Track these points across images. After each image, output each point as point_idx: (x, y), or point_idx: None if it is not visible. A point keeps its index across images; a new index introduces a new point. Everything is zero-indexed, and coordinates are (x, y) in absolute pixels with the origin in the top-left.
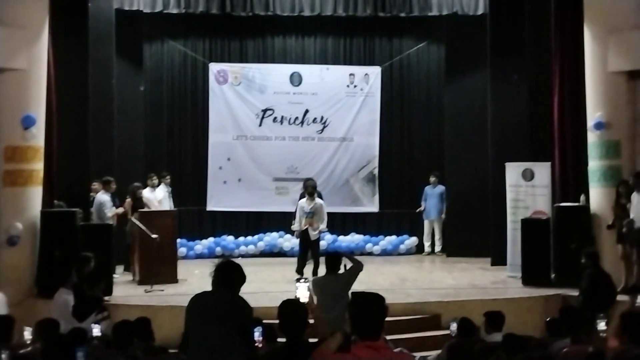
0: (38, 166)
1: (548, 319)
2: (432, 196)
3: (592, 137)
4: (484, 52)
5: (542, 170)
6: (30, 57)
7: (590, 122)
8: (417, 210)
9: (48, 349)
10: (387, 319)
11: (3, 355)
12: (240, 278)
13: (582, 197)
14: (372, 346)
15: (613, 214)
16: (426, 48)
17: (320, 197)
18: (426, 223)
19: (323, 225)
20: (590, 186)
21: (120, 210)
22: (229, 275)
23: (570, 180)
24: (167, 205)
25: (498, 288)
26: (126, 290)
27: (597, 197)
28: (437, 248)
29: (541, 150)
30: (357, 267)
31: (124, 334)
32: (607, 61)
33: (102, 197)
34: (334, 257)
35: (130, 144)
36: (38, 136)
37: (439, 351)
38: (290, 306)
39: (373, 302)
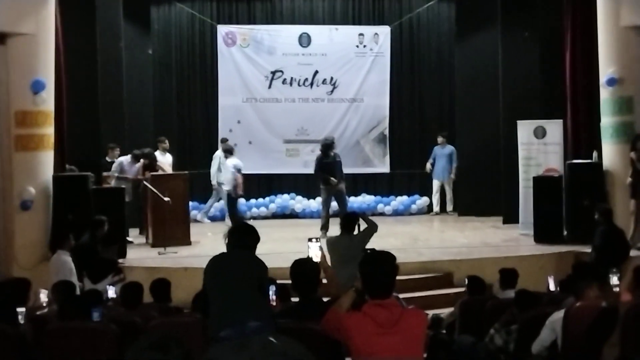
0: (49, 131)
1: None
2: (441, 156)
3: (605, 94)
4: (495, 9)
5: (554, 128)
6: (38, 21)
7: (603, 78)
8: (425, 169)
9: (64, 310)
10: (400, 277)
11: (20, 316)
12: (255, 239)
13: (595, 154)
14: (383, 304)
15: (631, 168)
16: (436, 6)
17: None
18: (435, 183)
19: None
20: (603, 143)
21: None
22: (243, 236)
23: (582, 137)
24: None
25: (510, 246)
26: (140, 253)
27: (610, 153)
28: (449, 208)
29: (553, 108)
30: (372, 229)
31: (132, 295)
32: (620, 16)
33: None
34: (349, 217)
35: (140, 107)
36: (48, 101)
37: (452, 309)
38: (302, 265)
39: (384, 260)
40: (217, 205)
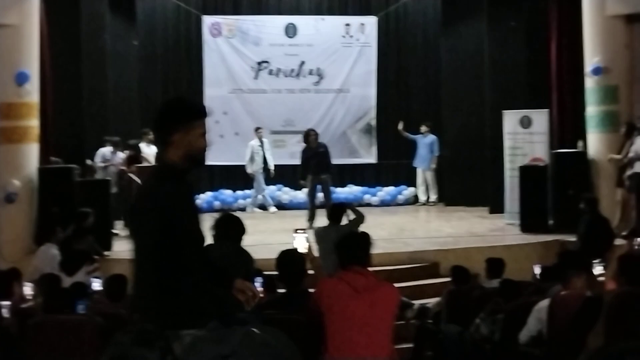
0: (33, 123)
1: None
2: (422, 146)
3: (590, 83)
4: None
5: (540, 117)
6: (21, 12)
7: (588, 67)
8: (400, 127)
9: (49, 303)
10: (387, 268)
11: (4, 309)
12: (241, 230)
13: (580, 143)
14: (360, 271)
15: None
16: None
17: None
18: (419, 172)
19: None
20: (588, 132)
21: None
22: (229, 227)
23: (568, 127)
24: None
25: (496, 235)
26: (126, 245)
27: (595, 142)
28: (432, 198)
29: (539, 97)
30: (359, 219)
31: (117, 287)
32: (605, 5)
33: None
34: (337, 208)
35: (125, 99)
36: (32, 93)
37: (438, 298)
38: (288, 256)
39: (359, 237)
40: (204, 197)
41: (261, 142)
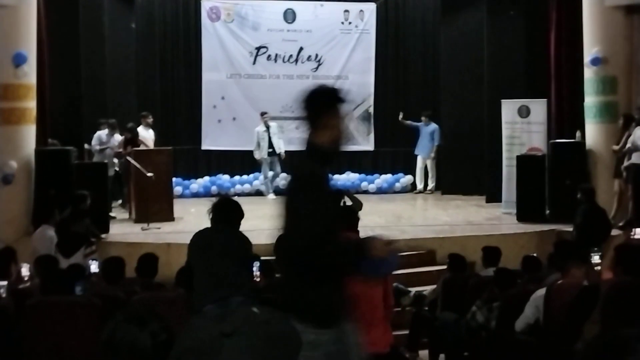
0: (31, 104)
1: (524, 255)
2: (424, 135)
3: (589, 73)
4: None
5: (538, 107)
6: None
7: (587, 57)
8: (400, 117)
9: (46, 284)
10: None
11: (1, 289)
12: (239, 214)
13: (578, 133)
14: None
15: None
16: None
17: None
18: (419, 160)
19: None
20: (586, 122)
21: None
22: (227, 211)
23: (566, 117)
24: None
25: (493, 224)
26: (123, 228)
27: (593, 133)
28: (430, 186)
29: (537, 87)
30: (357, 206)
31: (114, 270)
32: None
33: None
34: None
35: (123, 82)
36: (30, 74)
37: (434, 286)
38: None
39: (345, 210)
40: (201, 182)
41: (267, 127)
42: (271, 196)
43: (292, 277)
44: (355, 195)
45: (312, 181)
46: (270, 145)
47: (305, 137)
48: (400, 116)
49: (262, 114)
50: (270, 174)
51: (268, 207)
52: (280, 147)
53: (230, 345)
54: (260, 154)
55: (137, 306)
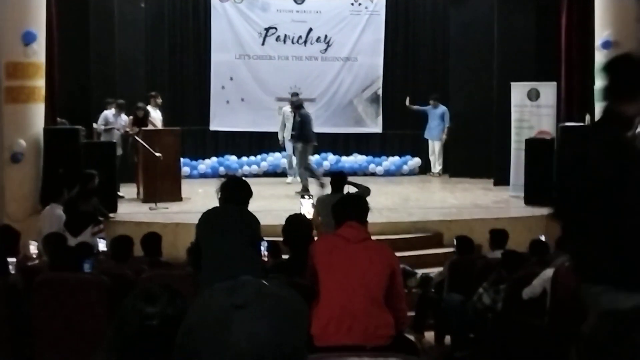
0: (40, 83)
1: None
2: (433, 117)
3: (600, 57)
4: None
5: (548, 90)
6: None
7: (598, 41)
8: (407, 102)
9: (55, 261)
10: (390, 237)
11: (10, 266)
12: (248, 193)
13: (587, 117)
14: (354, 226)
15: None
16: None
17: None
18: (430, 143)
19: None
20: (596, 106)
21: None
22: (236, 191)
23: (575, 100)
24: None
25: (500, 207)
26: (131, 208)
27: None
28: (437, 169)
29: (547, 70)
30: (365, 192)
31: (122, 248)
32: None
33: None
34: (338, 177)
35: (132, 61)
36: (39, 52)
37: (441, 268)
38: (296, 220)
39: (356, 200)
40: (209, 162)
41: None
42: (289, 179)
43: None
44: (360, 182)
45: (618, 147)
46: (294, 128)
47: (606, 105)
48: (407, 101)
49: (293, 94)
50: (294, 159)
51: (276, 188)
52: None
53: (241, 317)
54: (284, 135)
55: (151, 283)
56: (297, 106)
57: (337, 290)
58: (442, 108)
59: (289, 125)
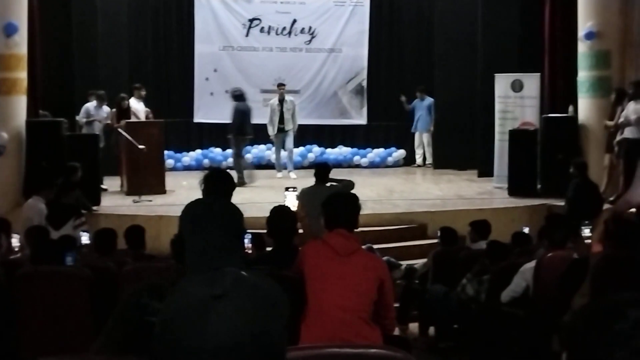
0: (22, 75)
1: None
2: (420, 109)
3: (583, 47)
4: None
5: (532, 81)
6: None
7: (581, 31)
8: (402, 99)
9: (37, 254)
10: (375, 228)
11: None
12: (231, 186)
13: (571, 108)
14: (344, 235)
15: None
16: None
17: None
18: (416, 135)
19: None
20: (579, 97)
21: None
22: (220, 183)
23: (559, 91)
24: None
25: (484, 198)
26: (114, 201)
27: (586, 107)
28: (429, 160)
29: (531, 61)
30: (348, 185)
31: (106, 241)
32: None
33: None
34: (322, 168)
35: (115, 54)
36: (21, 44)
37: (425, 259)
38: (280, 212)
39: (348, 199)
40: (193, 155)
41: (280, 101)
42: (292, 175)
43: None
44: (347, 169)
45: None
46: (281, 121)
47: None
48: (403, 98)
49: (279, 85)
50: (284, 153)
51: (260, 180)
52: (294, 123)
53: (220, 307)
54: (271, 131)
55: (155, 280)
56: (236, 96)
57: (329, 308)
58: (429, 100)
59: (276, 119)
